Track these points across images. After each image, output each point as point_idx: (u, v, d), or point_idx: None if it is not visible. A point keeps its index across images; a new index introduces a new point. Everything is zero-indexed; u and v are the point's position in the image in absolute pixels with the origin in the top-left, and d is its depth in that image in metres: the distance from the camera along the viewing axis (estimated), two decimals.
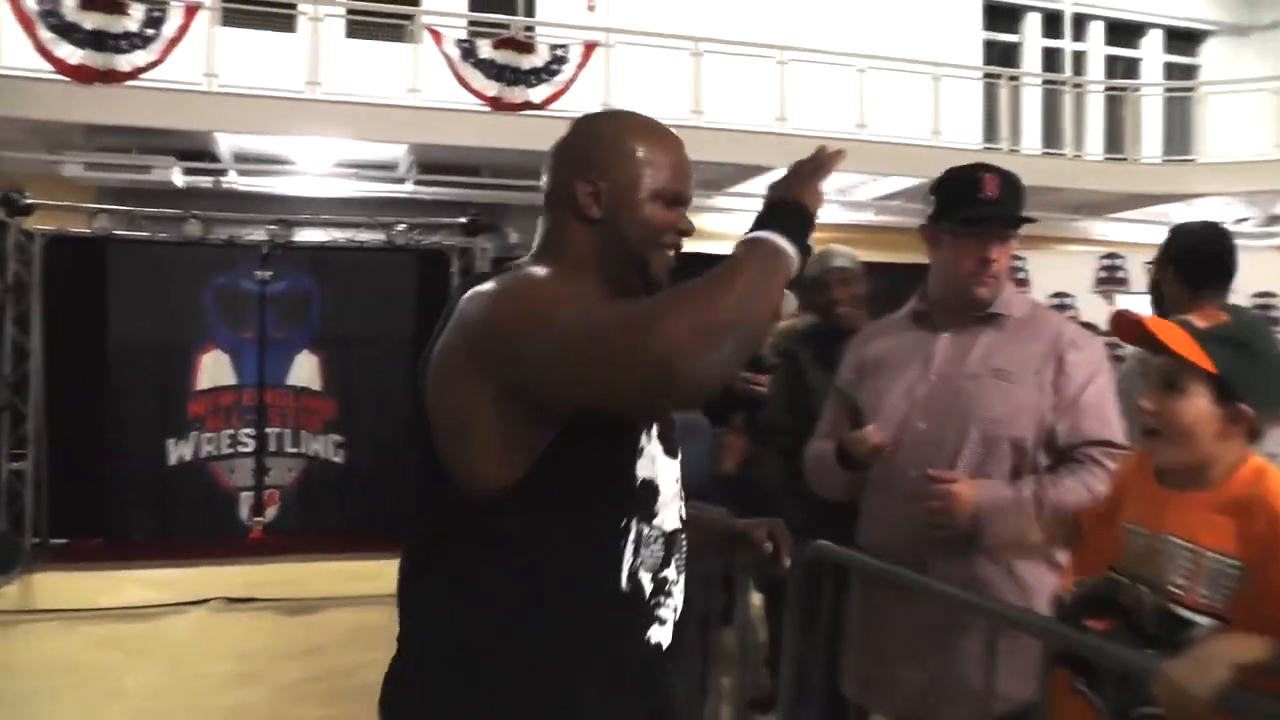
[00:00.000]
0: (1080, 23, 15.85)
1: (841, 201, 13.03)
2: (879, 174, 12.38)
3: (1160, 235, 10.83)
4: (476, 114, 10.57)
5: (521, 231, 11.91)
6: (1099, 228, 14.45)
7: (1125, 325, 1.82)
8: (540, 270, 1.56)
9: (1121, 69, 16.08)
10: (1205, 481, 1.78)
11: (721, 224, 12.75)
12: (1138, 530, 1.84)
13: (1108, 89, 15.11)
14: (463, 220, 8.93)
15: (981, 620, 2.16)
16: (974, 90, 13.94)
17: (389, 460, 8.62)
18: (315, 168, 11.00)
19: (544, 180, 1.65)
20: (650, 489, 1.54)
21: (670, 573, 1.58)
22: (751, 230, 1.45)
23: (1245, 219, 14.79)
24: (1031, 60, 15.60)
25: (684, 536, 1.63)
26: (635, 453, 1.52)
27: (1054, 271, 9.35)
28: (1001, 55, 15.33)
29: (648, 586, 1.53)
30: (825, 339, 3.45)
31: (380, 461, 8.62)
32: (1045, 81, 14.89)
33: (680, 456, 1.65)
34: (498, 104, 10.59)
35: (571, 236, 1.60)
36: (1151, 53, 16.32)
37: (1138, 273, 9.26)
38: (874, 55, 12.22)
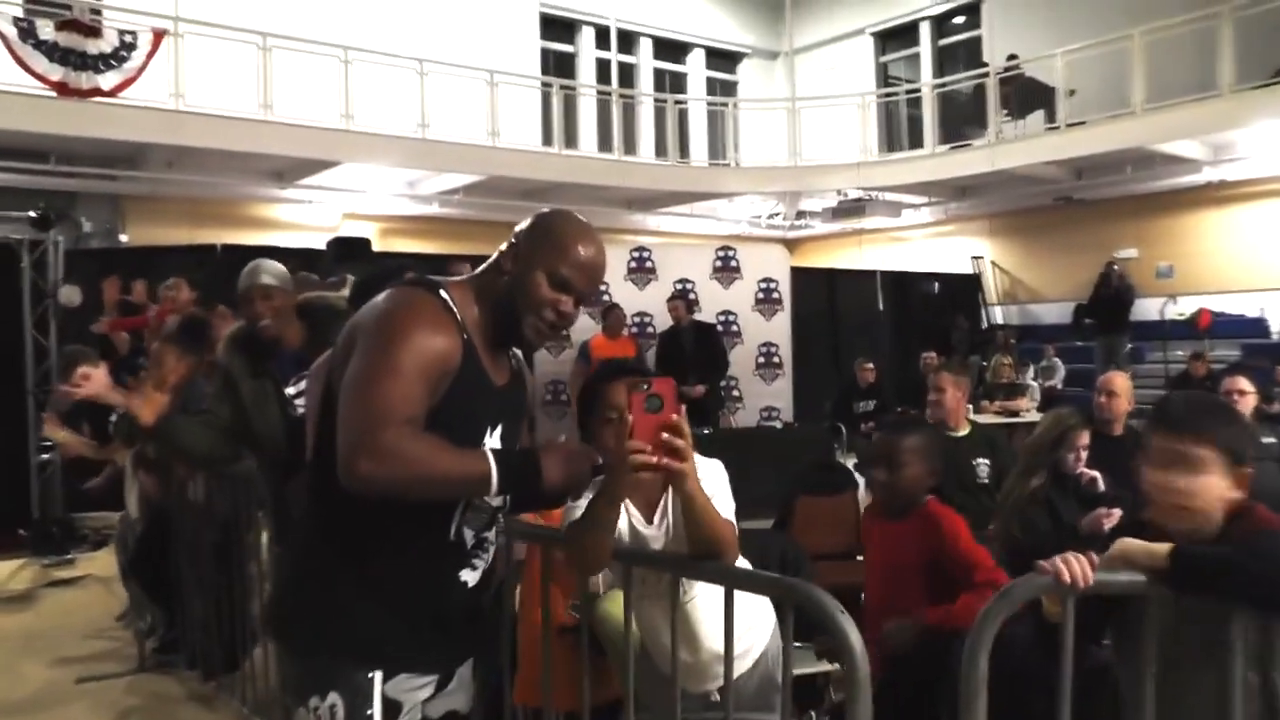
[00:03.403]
0: (630, 38, 17.43)
1: (408, 195, 13.75)
2: (440, 170, 13.16)
3: (707, 228, 12.43)
4: (41, 98, 10.12)
5: (95, 220, 11.59)
6: (652, 220, 16.10)
7: None
8: (428, 301, 1.90)
9: (670, 82, 17.85)
10: None
11: (290, 214, 13.15)
12: None
13: (656, 101, 16.75)
14: (32, 214, 8.75)
15: None
16: (532, 96, 14.97)
17: None
18: None
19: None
20: None
21: (490, 535, 2.04)
22: (506, 454, 1.85)
23: (777, 213, 17.08)
24: (586, 69, 16.92)
25: (505, 510, 2.06)
26: (478, 445, 1.92)
27: None
28: (558, 63, 16.53)
29: (469, 540, 1.98)
30: (253, 348, 3.69)
31: None
32: (599, 92, 16.26)
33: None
34: (64, 89, 10.20)
35: (487, 279, 2.00)
36: (696, 68, 18.25)
37: (665, 262, 10.74)
38: (434, 60, 12.87)
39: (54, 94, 10.18)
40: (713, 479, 2.30)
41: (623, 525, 2.41)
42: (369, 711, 1.90)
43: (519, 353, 2.14)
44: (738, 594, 2.13)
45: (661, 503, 2.43)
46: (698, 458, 2.20)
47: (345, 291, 4.05)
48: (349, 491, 1.76)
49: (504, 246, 2.01)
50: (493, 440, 1.98)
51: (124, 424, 4.10)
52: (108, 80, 10.43)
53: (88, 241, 11.14)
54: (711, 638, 2.36)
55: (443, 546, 1.96)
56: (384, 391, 1.76)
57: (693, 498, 2.04)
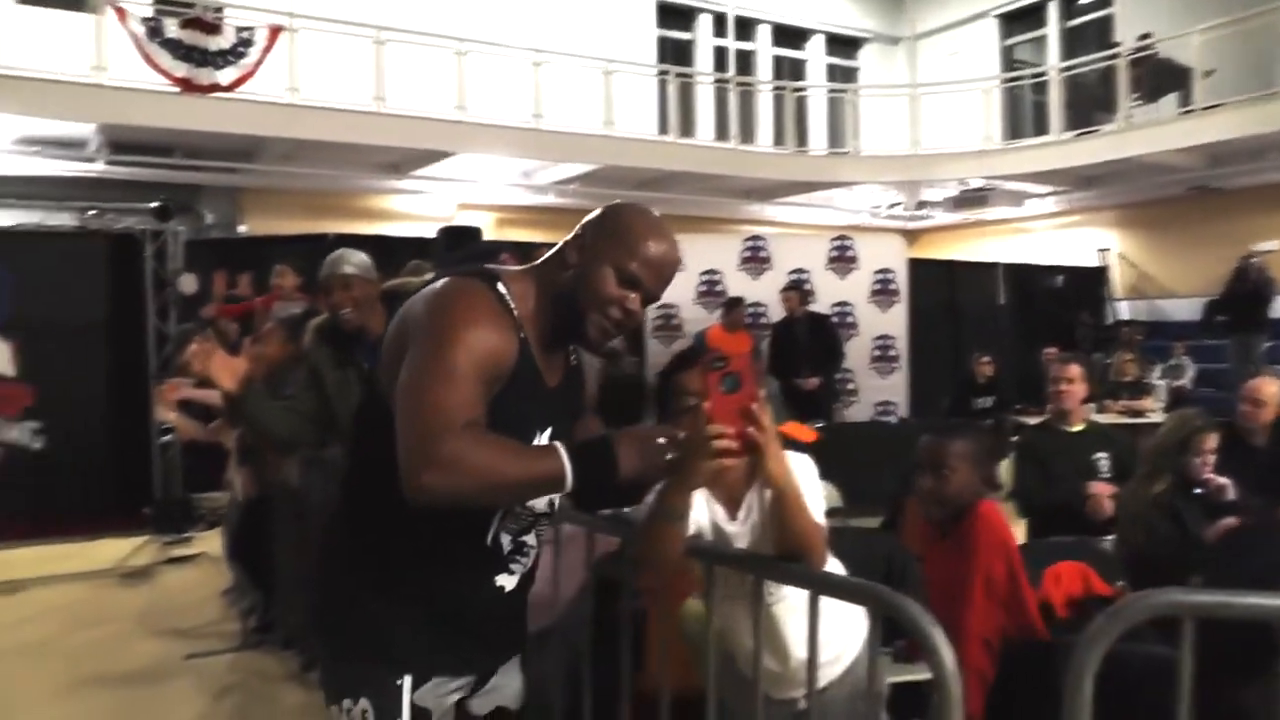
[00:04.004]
0: (748, 25, 17.15)
1: (523, 185, 13.78)
2: (555, 160, 13.16)
3: (826, 218, 12.27)
4: (166, 94, 10.41)
5: (216, 212, 11.92)
6: (769, 210, 15.88)
7: None
8: (483, 295, 1.79)
9: (789, 69, 17.57)
10: None
11: (404, 205, 13.35)
12: None
13: (774, 88, 16.50)
14: (153, 205, 9.02)
15: None
16: (649, 84, 14.87)
17: (89, 443, 8.79)
18: None
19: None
20: None
21: (530, 539, 1.97)
22: (579, 447, 1.72)
23: (897, 204, 16.72)
24: (704, 57, 16.70)
25: (550, 516, 2.01)
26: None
27: (704, 252, 10.38)
28: (675, 51, 16.38)
29: (506, 545, 1.92)
30: (336, 338, 3.69)
31: (81, 445, 8.73)
32: (717, 80, 16.04)
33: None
34: (187, 85, 10.47)
35: (549, 271, 1.89)
36: (815, 55, 17.90)
37: (780, 251, 10.53)
38: (548, 49, 12.87)
39: (177, 90, 10.46)
40: (801, 477, 2.12)
41: (705, 521, 2.29)
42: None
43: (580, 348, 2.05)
44: (830, 598, 1.99)
45: (746, 498, 2.29)
46: (787, 453, 2.05)
47: (431, 275, 3.98)
48: (393, 496, 1.68)
49: (569, 238, 1.90)
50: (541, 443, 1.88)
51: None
52: (226, 76, 10.69)
53: (209, 233, 11.48)
54: (798, 644, 2.21)
55: (479, 553, 1.90)
56: (442, 396, 1.65)
57: (783, 491, 1.91)
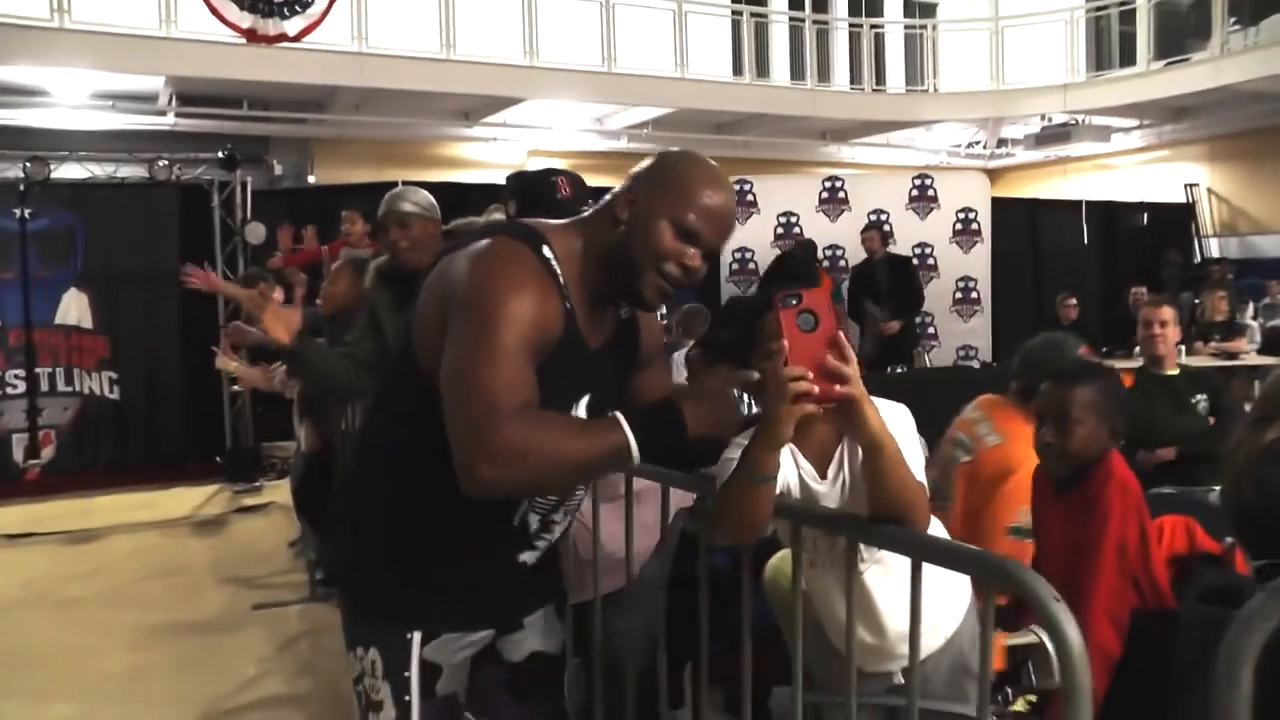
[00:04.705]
0: None
1: (595, 130, 13.58)
2: (627, 104, 12.95)
3: (905, 158, 11.93)
4: (233, 46, 10.34)
5: (286, 163, 11.89)
6: (847, 152, 15.50)
7: None
8: (528, 260, 1.66)
9: (865, 4, 16.97)
10: None
11: (475, 153, 13.19)
12: None
13: (850, 25, 15.94)
14: (220, 155, 8.98)
15: None
16: (722, 24, 14.44)
17: (163, 393, 8.87)
18: (71, 99, 10.63)
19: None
20: None
21: (558, 516, 1.88)
22: (641, 415, 1.63)
23: (977, 141, 16.20)
24: None
25: (581, 491, 1.94)
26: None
27: (780, 193, 10.09)
28: None
29: (534, 524, 1.84)
30: (396, 280, 3.49)
31: (155, 395, 8.83)
32: (792, 18, 15.52)
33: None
34: (253, 36, 10.39)
35: (597, 227, 1.75)
36: None
37: (858, 191, 10.20)
38: None
39: (243, 41, 10.38)
40: (896, 428, 1.86)
41: (792, 479, 2.05)
42: (406, 674, 1.84)
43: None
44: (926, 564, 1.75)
45: (837, 453, 2.04)
46: (879, 401, 1.83)
47: (495, 216, 3.77)
48: (414, 463, 1.70)
49: (617, 191, 1.76)
50: (578, 412, 1.77)
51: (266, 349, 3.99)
52: (293, 26, 10.56)
53: (280, 184, 11.45)
54: (891, 614, 2.01)
55: (504, 534, 1.84)
56: (490, 379, 1.53)
57: (880, 445, 1.67)
